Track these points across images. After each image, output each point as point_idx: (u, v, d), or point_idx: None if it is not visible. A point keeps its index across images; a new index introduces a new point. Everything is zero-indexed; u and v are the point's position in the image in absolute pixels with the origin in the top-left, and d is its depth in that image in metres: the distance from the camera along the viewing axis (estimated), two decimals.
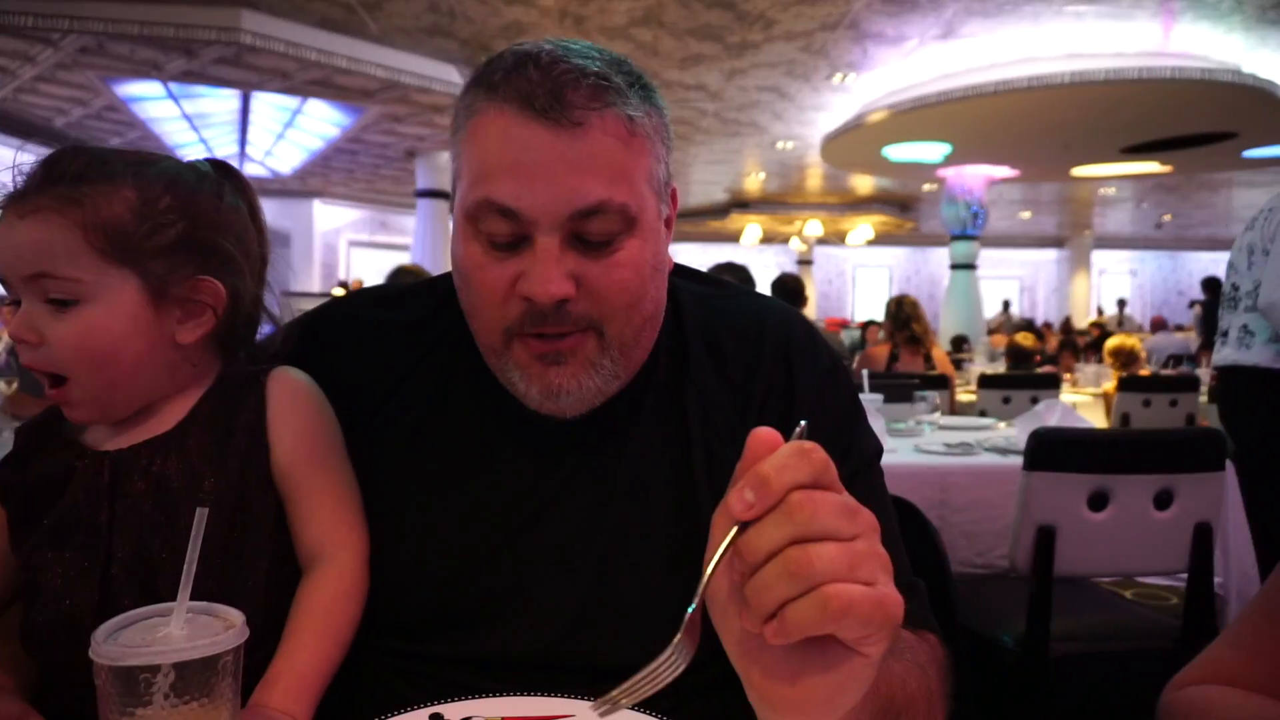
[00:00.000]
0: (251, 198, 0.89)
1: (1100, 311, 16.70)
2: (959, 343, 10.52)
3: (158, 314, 0.80)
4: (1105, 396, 5.25)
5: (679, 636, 0.50)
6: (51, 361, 0.76)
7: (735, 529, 0.48)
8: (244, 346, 0.89)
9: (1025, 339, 6.44)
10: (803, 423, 0.52)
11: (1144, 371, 6.07)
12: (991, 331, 12.34)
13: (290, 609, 0.80)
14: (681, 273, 0.99)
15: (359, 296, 1.02)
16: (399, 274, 4.40)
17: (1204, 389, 5.14)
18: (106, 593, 0.76)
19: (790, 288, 5.25)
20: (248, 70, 7.80)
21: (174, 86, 8.78)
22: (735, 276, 4.62)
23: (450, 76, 8.23)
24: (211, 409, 0.82)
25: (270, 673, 0.75)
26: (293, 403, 0.85)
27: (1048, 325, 15.80)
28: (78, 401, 0.78)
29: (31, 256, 0.75)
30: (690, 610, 0.50)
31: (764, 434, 0.50)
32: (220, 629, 0.57)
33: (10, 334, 0.76)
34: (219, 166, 0.89)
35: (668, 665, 0.50)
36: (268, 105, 9.75)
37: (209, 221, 0.83)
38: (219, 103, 9.68)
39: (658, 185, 0.81)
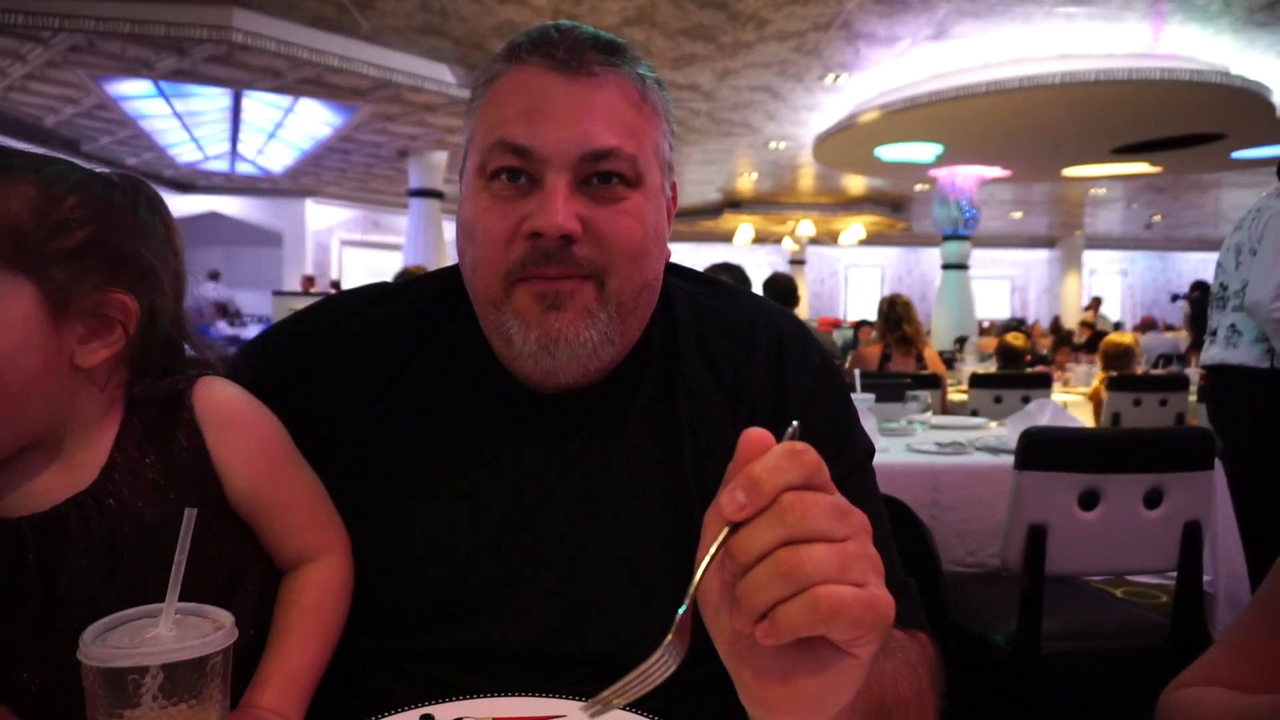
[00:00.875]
0: (167, 215, 0.80)
1: (1098, 301, 16.61)
2: (962, 342, 10.57)
3: (56, 329, 0.68)
4: (1094, 396, 5.27)
5: (669, 637, 0.50)
6: None
7: (726, 530, 0.48)
8: (160, 373, 0.78)
9: (1015, 339, 6.46)
10: (795, 423, 0.52)
11: (1139, 370, 6.09)
12: (984, 333, 12.38)
13: (276, 609, 0.79)
14: (674, 271, 0.99)
15: (350, 294, 1.02)
16: (402, 278, 4.41)
17: (1193, 388, 5.17)
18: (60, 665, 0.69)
19: (783, 287, 5.26)
20: (239, 69, 7.78)
21: (165, 85, 8.75)
22: (731, 276, 4.63)
23: (443, 76, 8.22)
24: (136, 445, 0.73)
25: (260, 673, 0.75)
26: (231, 424, 0.77)
27: (1037, 325, 15.84)
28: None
29: None
30: (681, 611, 0.50)
31: (756, 435, 0.50)
32: (209, 630, 0.57)
33: None
34: (128, 179, 0.79)
35: (658, 666, 0.50)
36: (259, 104, 9.72)
37: (122, 227, 0.73)
38: (210, 101, 9.64)
39: (662, 161, 0.85)
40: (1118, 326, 14.29)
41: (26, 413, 0.68)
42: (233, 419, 0.77)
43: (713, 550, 0.49)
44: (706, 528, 0.51)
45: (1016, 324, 13.85)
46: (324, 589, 0.80)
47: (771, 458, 0.48)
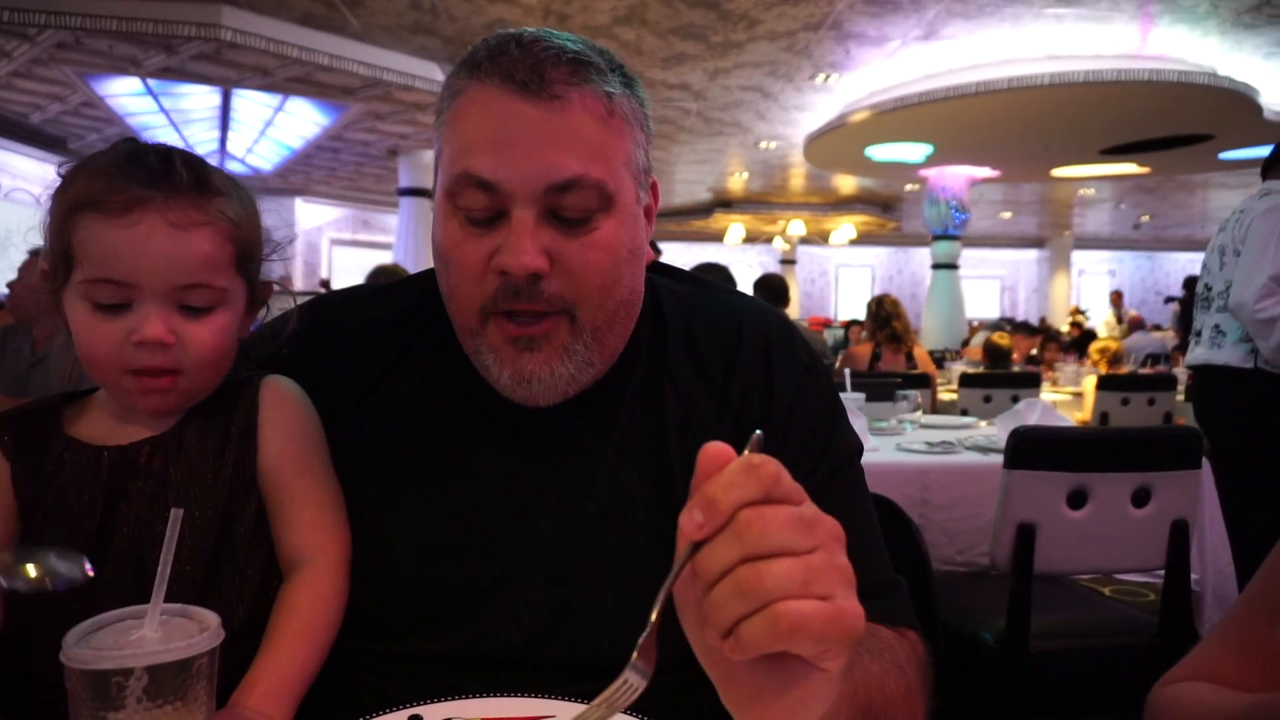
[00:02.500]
0: None
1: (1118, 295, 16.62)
2: (964, 342, 10.62)
3: (247, 314, 0.86)
4: (1081, 396, 5.30)
5: (634, 658, 0.49)
6: (179, 360, 0.78)
7: (690, 548, 0.48)
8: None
9: (1002, 338, 6.49)
10: (757, 432, 0.51)
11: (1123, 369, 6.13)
12: (972, 332, 12.43)
13: (271, 612, 0.80)
14: (661, 270, 0.99)
15: (337, 295, 1.02)
16: (378, 274, 4.41)
17: (1180, 388, 5.20)
18: (95, 590, 0.74)
19: (774, 287, 5.26)
20: (228, 67, 7.73)
21: (153, 83, 8.68)
22: (716, 277, 4.63)
23: (433, 74, 8.19)
24: (208, 410, 0.84)
25: (250, 675, 0.75)
26: (282, 408, 0.86)
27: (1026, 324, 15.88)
28: (182, 390, 0.80)
29: (195, 269, 0.78)
30: (643, 637, 0.49)
31: (714, 450, 0.49)
32: (195, 631, 0.56)
33: (149, 339, 0.76)
34: None
35: (624, 689, 0.49)
36: (248, 102, 9.66)
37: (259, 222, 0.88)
38: (199, 99, 9.58)
39: (636, 171, 0.82)
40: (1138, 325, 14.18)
41: (221, 377, 0.84)
42: (284, 403, 0.87)
43: (675, 571, 0.48)
44: (677, 543, 0.50)
45: (1005, 323, 13.89)
46: (316, 593, 0.80)
47: (728, 474, 0.47)
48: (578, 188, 0.75)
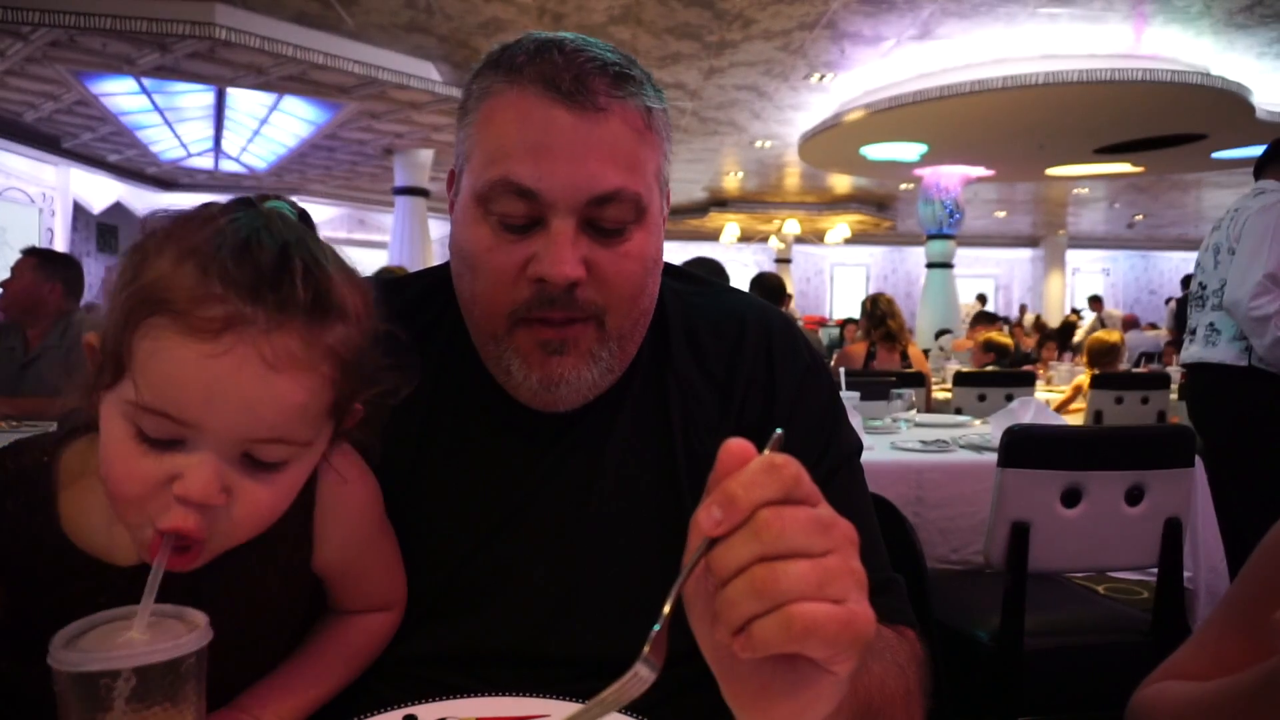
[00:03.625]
0: None
1: (1076, 312, 16.77)
2: (941, 335, 10.61)
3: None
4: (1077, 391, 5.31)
5: (645, 651, 0.49)
6: (220, 525, 0.60)
7: (705, 543, 0.48)
8: None
9: (1002, 337, 6.50)
10: (778, 431, 0.51)
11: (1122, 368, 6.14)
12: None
13: (313, 629, 0.78)
14: (664, 270, 0.99)
15: None
16: (382, 275, 4.39)
17: (1174, 386, 5.21)
18: None
19: (771, 286, 5.27)
20: (222, 65, 7.70)
21: (147, 81, 8.65)
22: (705, 270, 4.64)
23: (428, 73, 8.17)
24: None
25: (266, 682, 0.73)
26: (343, 495, 0.73)
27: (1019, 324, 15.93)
28: (211, 554, 0.62)
29: (278, 421, 0.59)
30: (656, 628, 0.49)
31: (736, 446, 0.49)
32: (184, 631, 0.56)
33: (193, 497, 0.57)
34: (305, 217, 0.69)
35: (634, 681, 0.49)
36: (243, 101, 9.63)
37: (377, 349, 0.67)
38: (193, 98, 9.55)
39: (662, 181, 0.83)
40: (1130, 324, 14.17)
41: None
42: (346, 487, 0.74)
43: (689, 566, 0.48)
44: (690, 537, 0.50)
45: (992, 317, 13.89)
46: (369, 636, 0.79)
47: (749, 473, 0.47)
48: (617, 200, 0.76)
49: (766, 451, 0.49)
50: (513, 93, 0.76)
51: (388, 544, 0.80)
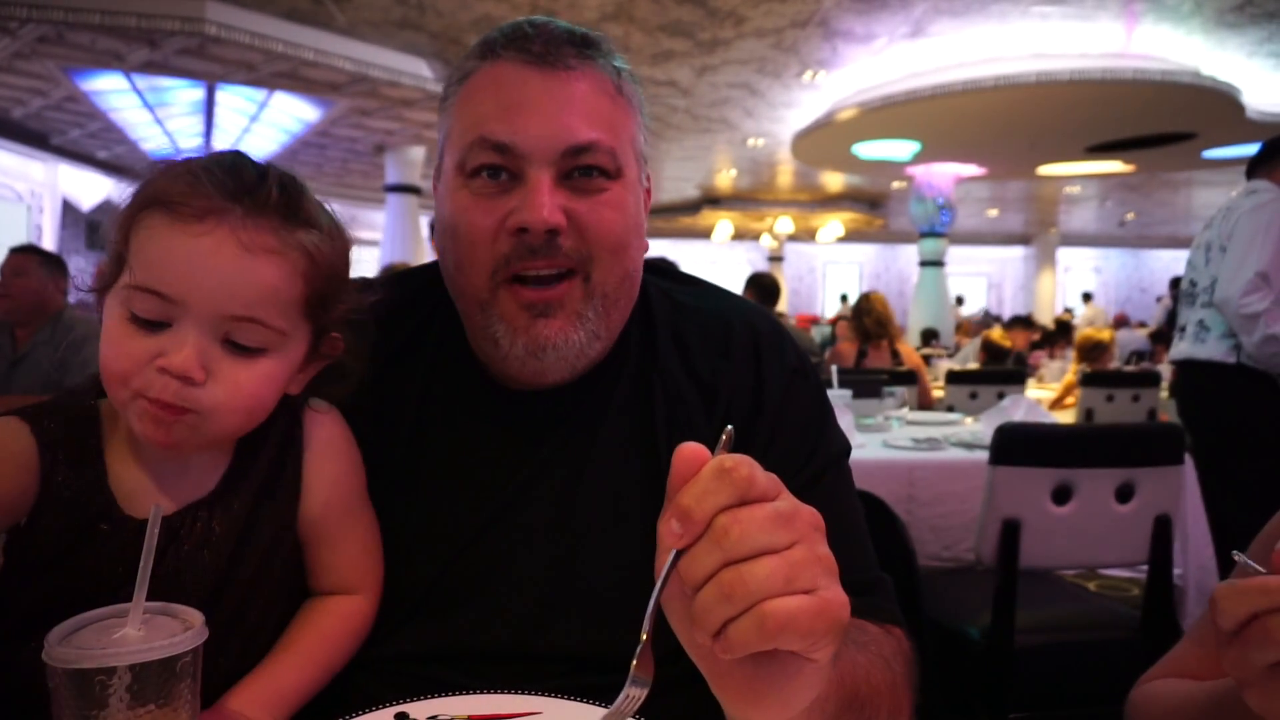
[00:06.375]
0: None
1: (1069, 312, 16.84)
2: (928, 336, 10.64)
3: (303, 364, 0.75)
4: (1068, 389, 5.33)
5: (632, 670, 0.50)
6: (201, 401, 0.67)
7: (674, 554, 0.48)
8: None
9: (1000, 337, 6.52)
10: (729, 428, 0.51)
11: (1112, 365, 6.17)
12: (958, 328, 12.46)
13: (291, 623, 0.79)
14: (650, 267, 0.99)
15: None
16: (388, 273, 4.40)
17: (1164, 384, 5.24)
18: None
19: (765, 286, 5.29)
20: (212, 62, 7.66)
21: (137, 78, 8.60)
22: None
23: (420, 70, 8.15)
24: (251, 451, 0.76)
25: (250, 679, 0.74)
26: (328, 451, 0.80)
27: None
28: (192, 430, 0.68)
29: (252, 299, 0.67)
30: (639, 650, 0.49)
31: (688, 451, 0.49)
32: (178, 630, 0.56)
33: (174, 369, 0.65)
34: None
35: (627, 703, 0.50)
36: (233, 98, 9.58)
37: (349, 269, 0.78)
38: (183, 94, 9.50)
39: (638, 153, 0.85)
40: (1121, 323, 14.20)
41: (249, 429, 0.73)
42: (332, 444, 0.80)
43: (661, 582, 0.49)
44: (659, 549, 0.50)
45: (994, 320, 13.94)
46: (344, 621, 0.80)
47: (700, 482, 0.48)
48: (592, 151, 0.78)
49: (718, 453, 0.49)
50: (487, 67, 0.80)
51: (368, 519, 0.83)
